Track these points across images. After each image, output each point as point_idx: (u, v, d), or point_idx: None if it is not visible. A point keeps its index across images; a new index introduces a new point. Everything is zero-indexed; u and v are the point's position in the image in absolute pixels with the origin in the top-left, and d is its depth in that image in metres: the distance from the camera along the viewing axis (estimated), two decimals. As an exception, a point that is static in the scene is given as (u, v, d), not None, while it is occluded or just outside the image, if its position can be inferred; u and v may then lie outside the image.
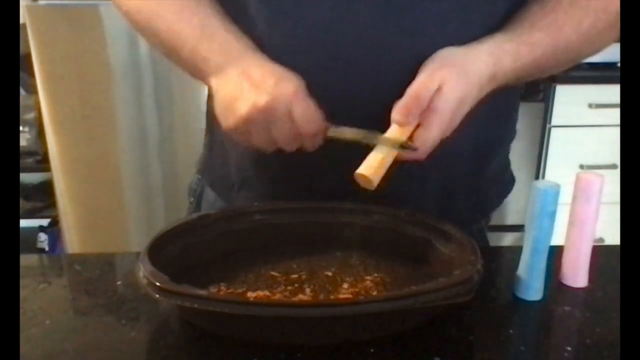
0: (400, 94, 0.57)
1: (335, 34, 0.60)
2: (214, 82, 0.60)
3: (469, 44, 0.60)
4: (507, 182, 0.81)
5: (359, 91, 0.62)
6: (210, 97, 0.67)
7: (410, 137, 0.57)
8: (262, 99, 0.55)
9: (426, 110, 0.56)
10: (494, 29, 0.62)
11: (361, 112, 0.61)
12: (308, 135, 0.57)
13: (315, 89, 0.59)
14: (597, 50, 0.66)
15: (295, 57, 0.61)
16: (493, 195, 0.78)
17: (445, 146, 0.59)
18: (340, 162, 0.63)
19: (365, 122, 0.60)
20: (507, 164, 0.80)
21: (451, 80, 0.55)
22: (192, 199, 0.83)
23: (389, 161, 0.57)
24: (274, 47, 0.62)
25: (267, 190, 0.72)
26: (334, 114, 0.60)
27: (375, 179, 0.56)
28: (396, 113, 0.56)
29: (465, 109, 0.58)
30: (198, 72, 0.63)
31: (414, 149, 0.56)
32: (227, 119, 0.58)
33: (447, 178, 0.70)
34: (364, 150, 0.59)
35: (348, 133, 0.58)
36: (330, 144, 0.60)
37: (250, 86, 0.56)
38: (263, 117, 0.55)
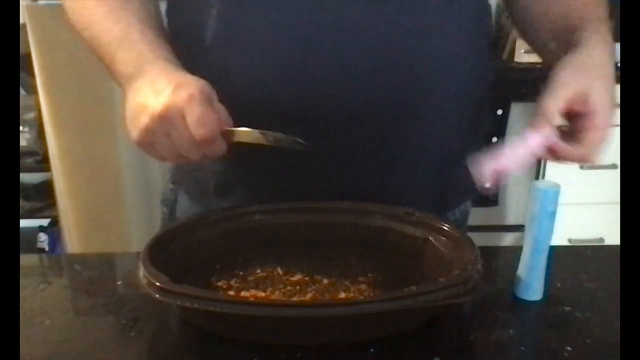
0: (380, 87, 0.58)
1: (313, 28, 0.60)
2: (127, 94, 0.59)
3: (580, 50, 0.61)
4: None
5: (339, 87, 0.62)
6: None
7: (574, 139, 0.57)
8: (158, 108, 0.53)
9: (587, 114, 0.56)
10: (469, 19, 0.65)
11: (343, 108, 0.62)
12: (202, 140, 0.54)
13: (294, 87, 0.58)
14: None
15: (275, 54, 0.61)
16: (468, 182, 0.80)
17: (435, 140, 0.60)
18: (318, 164, 0.63)
19: (348, 120, 0.61)
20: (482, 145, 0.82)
21: (600, 85, 0.57)
22: (165, 209, 0.81)
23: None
24: (246, 46, 0.61)
25: (246, 196, 0.71)
26: (317, 111, 0.60)
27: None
28: (538, 121, 0.57)
29: (613, 108, 0.59)
30: (118, 84, 0.62)
31: None
32: (132, 132, 0.57)
33: (431, 171, 0.71)
34: (339, 157, 0.59)
35: (245, 134, 0.56)
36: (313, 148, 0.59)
37: (152, 96, 0.55)
38: (160, 125, 0.54)
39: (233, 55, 0.62)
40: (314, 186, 0.67)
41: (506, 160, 0.56)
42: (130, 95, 0.57)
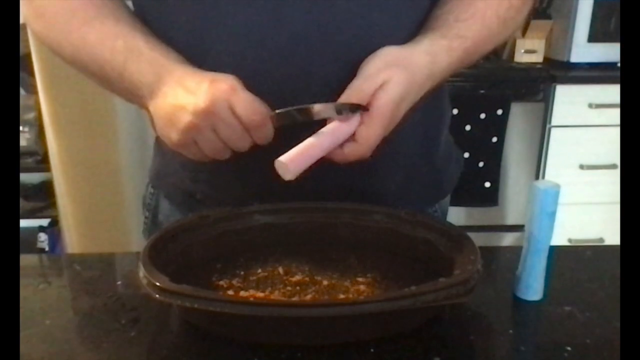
0: (336, 90, 0.58)
1: (266, 37, 0.60)
2: (151, 103, 0.58)
3: (408, 44, 0.61)
4: (456, 159, 0.82)
5: (298, 91, 0.61)
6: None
7: (353, 136, 0.57)
8: (200, 103, 0.53)
9: (369, 108, 0.56)
10: (421, 18, 0.64)
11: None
12: (255, 126, 0.55)
13: (267, 93, 0.58)
14: (513, 32, 0.70)
15: (229, 66, 0.60)
16: (446, 176, 0.80)
17: (398, 137, 0.61)
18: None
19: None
20: (451, 141, 0.82)
21: (396, 79, 0.56)
22: (147, 214, 0.81)
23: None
24: (204, 58, 0.60)
25: (229, 200, 0.69)
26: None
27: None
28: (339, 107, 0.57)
29: (405, 107, 0.59)
30: (133, 97, 0.61)
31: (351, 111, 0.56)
32: (171, 134, 0.56)
33: (401, 168, 0.71)
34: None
35: (294, 112, 0.57)
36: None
37: (187, 95, 0.54)
38: (206, 120, 0.54)
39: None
40: (300, 189, 0.66)
41: (310, 150, 0.56)
42: (158, 101, 0.57)
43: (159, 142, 0.77)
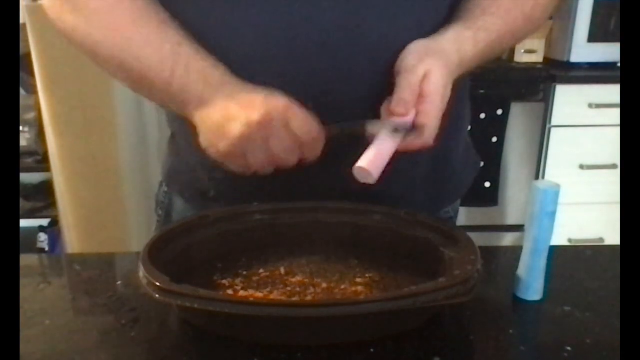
0: (373, 85, 0.59)
1: (293, 39, 0.60)
2: (197, 114, 0.58)
3: (434, 35, 0.62)
4: (472, 163, 0.83)
5: (334, 90, 0.62)
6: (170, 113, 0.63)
7: (413, 126, 0.58)
8: (256, 115, 0.54)
9: (419, 98, 0.57)
10: (441, 20, 0.65)
11: (341, 110, 0.61)
12: (309, 143, 0.57)
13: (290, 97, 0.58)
14: (538, 27, 0.71)
15: (257, 65, 0.60)
16: (460, 180, 0.80)
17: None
18: (317, 166, 0.63)
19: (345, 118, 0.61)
20: (469, 144, 0.82)
21: (435, 68, 0.58)
22: (160, 212, 0.81)
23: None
24: (231, 58, 0.60)
25: (243, 198, 0.69)
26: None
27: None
28: (397, 106, 0.57)
29: (449, 93, 0.60)
30: (176, 104, 0.60)
31: (412, 129, 0.58)
32: (219, 144, 0.56)
33: (406, 170, 0.71)
34: (344, 148, 0.59)
35: (347, 130, 0.59)
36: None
37: (240, 107, 0.55)
38: (260, 132, 0.54)
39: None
40: (313, 187, 0.66)
41: (381, 153, 0.57)
42: (208, 111, 0.57)
43: (173, 140, 0.78)
